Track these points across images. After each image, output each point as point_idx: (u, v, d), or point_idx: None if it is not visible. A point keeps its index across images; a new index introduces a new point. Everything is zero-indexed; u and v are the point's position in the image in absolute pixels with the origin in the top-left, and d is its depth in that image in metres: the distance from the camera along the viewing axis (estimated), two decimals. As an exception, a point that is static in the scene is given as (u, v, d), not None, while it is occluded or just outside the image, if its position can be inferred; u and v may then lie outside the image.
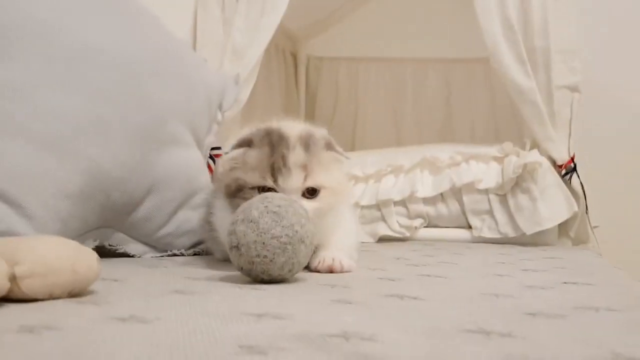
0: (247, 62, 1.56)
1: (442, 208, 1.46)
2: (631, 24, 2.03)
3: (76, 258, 0.59)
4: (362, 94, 2.31)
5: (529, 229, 1.37)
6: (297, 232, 0.70)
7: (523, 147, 1.48)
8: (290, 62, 2.29)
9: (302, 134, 0.82)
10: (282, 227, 0.70)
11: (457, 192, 1.45)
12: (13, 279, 0.54)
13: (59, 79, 0.86)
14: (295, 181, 0.80)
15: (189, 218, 1.08)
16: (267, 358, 0.37)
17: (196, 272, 0.81)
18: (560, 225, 1.42)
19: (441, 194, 1.46)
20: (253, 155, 0.82)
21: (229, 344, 0.40)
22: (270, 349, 0.39)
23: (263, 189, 0.80)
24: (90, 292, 0.61)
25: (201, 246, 1.10)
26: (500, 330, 0.45)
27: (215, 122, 1.31)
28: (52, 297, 0.57)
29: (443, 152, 1.50)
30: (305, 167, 0.81)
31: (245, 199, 0.78)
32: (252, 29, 1.59)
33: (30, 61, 0.84)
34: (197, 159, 1.15)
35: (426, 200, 1.46)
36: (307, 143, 0.81)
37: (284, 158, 0.80)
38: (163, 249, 1.07)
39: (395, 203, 1.47)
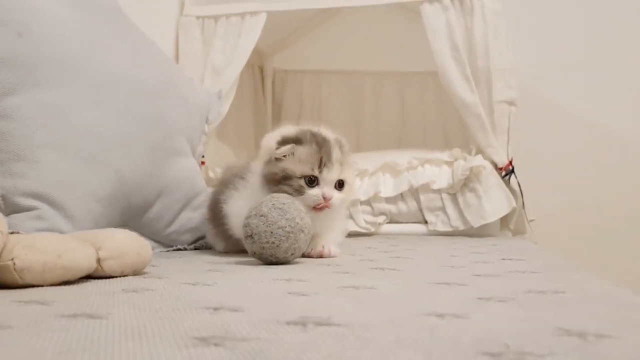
0: (226, 79, 1.73)
1: (402, 206, 1.67)
2: (562, 45, 2.32)
3: (139, 245, 0.77)
4: (325, 104, 2.48)
5: (475, 223, 1.59)
6: (297, 223, 0.90)
7: (469, 153, 1.69)
8: (257, 75, 2.46)
9: (336, 138, 1.03)
10: (286, 219, 0.89)
11: (414, 192, 1.65)
12: (98, 260, 0.72)
13: (91, 101, 1.03)
14: (334, 173, 0.99)
15: (191, 217, 1.26)
16: (308, 297, 0.57)
17: (212, 259, 1.00)
18: (501, 219, 1.62)
19: (401, 194, 1.65)
20: (302, 150, 0.99)
21: (278, 292, 0.60)
22: (309, 293, 0.59)
23: (309, 178, 0.98)
24: (146, 272, 0.79)
25: (201, 241, 1.28)
26: (458, 282, 0.66)
27: (203, 134, 1.50)
28: (123, 275, 0.75)
29: (401, 158, 1.70)
30: (341, 164, 1.00)
31: (291, 185, 0.98)
32: (229, 49, 1.76)
33: (68, 87, 1.00)
34: (195, 167, 1.33)
35: (388, 200, 1.66)
36: (341, 145, 1.02)
37: (329, 154, 0.99)
38: (169, 244, 1.24)
39: (361, 202, 1.67)
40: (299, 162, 0.99)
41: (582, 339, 0.39)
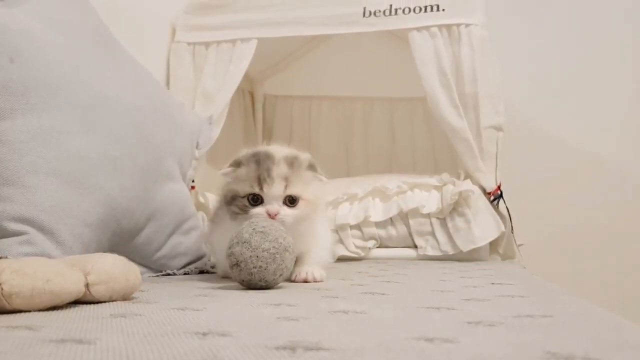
0: (216, 104, 1.75)
1: (391, 230, 1.68)
2: (549, 71, 2.36)
3: (127, 270, 0.77)
4: (315, 128, 2.51)
5: (465, 247, 1.60)
6: (281, 243, 0.90)
7: (458, 177, 1.71)
8: (248, 101, 2.49)
9: (287, 154, 1.03)
10: (269, 241, 0.89)
11: (404, 217, 1.67)
12: (86, 285, 0.71)
13: (81, 126, 1.03)
14: (277, 189, 0.99)
15: (181, 241, 1.26)
16: (298, 322, 0.57)
17: (201, 284, 1.00)
18: (490, 243, 1.64)
19: (390, 218, 1.67)
20: (242, 170, 1.02)
21: (267, 317, 0.60)
22: (299, 318, 0.59)
23: (252, 197, 1.00)
24: (135, 297, 0.79)
25: (190, 266, 1.28)
26: (447, 306, 0.67)
27: (194, 158, 1.50)
28: (111, 300, 0.74)
29: (391, 182, 1.72)
30: (286, 179, 1.00)
31: (238, 206, 1.00)
32: (220, 75, 1.78)
33: (58, 111, 1.01)
34: (185, 191, 1.33)
35: (378, 224, 1.68)
36: (291, 162, 1.01)
37: (268, 170, 0.99)
38: (158, 269, 1.23)
39: (351, 227, 1.67)
40: (240, 182, 1.01)
41: (570, 362, 0.39)
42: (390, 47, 2.23)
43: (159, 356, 0.42)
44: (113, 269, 0.74)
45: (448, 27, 1.67)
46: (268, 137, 2.56)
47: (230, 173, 1.03)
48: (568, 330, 0.53)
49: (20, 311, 0.63)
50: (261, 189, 0.99)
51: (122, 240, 1.13)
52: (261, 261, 0.88)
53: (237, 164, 1.03)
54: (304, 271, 1.02)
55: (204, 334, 0.50)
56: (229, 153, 2.18)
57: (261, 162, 1.00)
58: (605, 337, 0.50)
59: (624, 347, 0.46)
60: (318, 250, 1.08)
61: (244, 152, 1.05)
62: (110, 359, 0.41)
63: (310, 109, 2.53)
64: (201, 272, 1.29)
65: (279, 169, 0.99)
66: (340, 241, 1.67)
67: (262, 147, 1.06)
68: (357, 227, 1.67)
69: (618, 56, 2.33)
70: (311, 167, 1.05)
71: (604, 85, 2.32)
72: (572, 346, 0.44)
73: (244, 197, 1.00)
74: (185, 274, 1.26)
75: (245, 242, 0.89)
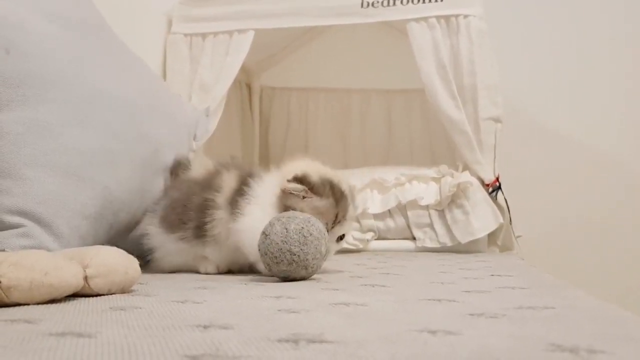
0: (214, 96, 1.73)
1: (390, 222, 1.68)
2: (548, 63, 2.35)
3: (126, 262, 0.76)
4: (312, 121, 2.50)
5: (463, 239, 1.59)
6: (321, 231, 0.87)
7: (456, 169, 1.70)
8: (245, 93, 2.47)
9: (350, 185, 1.00)
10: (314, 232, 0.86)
11: (402, 209, 1.66)
12: (85, 278, 0.71)
13: (78, 118, 1.03)
14: (344, 229, 0.98)
15: (178, 234, 1.25)
16: (299, 314, 0.56)
17: (199, 277, 0.99)
18: (489, 235, 1.63)
19: (389, 210, 1.66)
20: (321, 203, 0.95)
21: (268, 309, 0.59)
22: (300, 310, 0.58)
23: None
24: (134, 290, 0.78)
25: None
26: (448, 298, 0.66)
27: (191, 151, 1.49)
28: (110, 293, 0.74)
29: (389, 174, 1.71)
30: (351, 219, 0.99)
31: None
32: (217, 67, 1.76)
33: (55, 104, 1.00)
34: (182, 184, 1.32)
35: (376, 216, 1.67)
36: (353, 196, 1.00)
37: (344, 212, 0.97)
38: (156, 262, 1.23)
39: (349, 219, 1.67)
40: (315, 213, 0.92)
41: (575, 354, 0.39)
42: (387, 39, 2.21)
43: (161, 349, 0.41)
44: (112, 261, 0.74)
45: (446, 18, 1.66)
46: (265, 129, 2.55)
47: (302, 194, 0.94)
48: (570, 323, 0.53)
49: (18, 304, 0.62)
50: (332, 228, 0.95)
51: (118, 233, 1.12)
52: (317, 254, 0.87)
53: (311, 189, 0.94)
54: None
55: (205, 327, 0.49)
56: (226, 145, 2.20)
57: (340, 200, 0.94)
58: (609, 330, 0.50)
59: (627, 340, 0.46)
60: None
61: (314, 174, 0.96)
62: (112, 352, 0.41)
63: (307, 101, 2.52)
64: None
65: (352, 210, 0.97)
66: (338, 233, 1.66)
67: (327, 171, 0.98)
68: (356, 219, 1.67)
69: (616, 49, 2.32)
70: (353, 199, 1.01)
71: (602, 78, 2.32)
72: (576, 338, 0.44)
73: None
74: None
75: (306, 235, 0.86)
